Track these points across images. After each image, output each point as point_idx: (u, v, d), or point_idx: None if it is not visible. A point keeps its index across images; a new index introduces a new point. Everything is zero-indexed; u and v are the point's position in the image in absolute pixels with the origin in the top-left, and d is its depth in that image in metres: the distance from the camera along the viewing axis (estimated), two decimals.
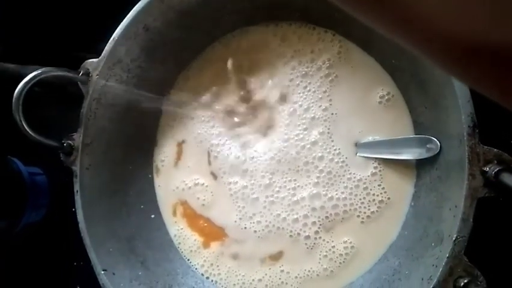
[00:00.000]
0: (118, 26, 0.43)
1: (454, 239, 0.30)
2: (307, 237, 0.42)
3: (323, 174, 0.42)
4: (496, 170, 0.29)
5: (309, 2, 0.42)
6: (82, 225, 0.42)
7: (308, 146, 0.43)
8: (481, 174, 0.30)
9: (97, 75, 0.43)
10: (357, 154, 0.42)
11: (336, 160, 0.42)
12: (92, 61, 0.44)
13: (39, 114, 0.49)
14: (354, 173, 0.41)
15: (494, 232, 0.34)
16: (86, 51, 0.45)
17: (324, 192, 0.42)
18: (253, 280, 0.43)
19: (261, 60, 0.46)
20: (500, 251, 0.34)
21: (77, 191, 0.43)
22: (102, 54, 0.43)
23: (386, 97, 0.41)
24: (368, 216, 0.41)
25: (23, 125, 0.41)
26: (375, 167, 0.41)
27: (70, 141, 0.44)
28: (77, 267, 0.52)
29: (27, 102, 0.40)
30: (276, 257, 0.43)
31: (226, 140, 0.46)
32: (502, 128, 0.37)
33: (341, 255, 0.41)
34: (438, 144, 0.35)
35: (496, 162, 0.30)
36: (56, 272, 0.54)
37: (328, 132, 0.42)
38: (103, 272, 0.41)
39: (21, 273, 0.55)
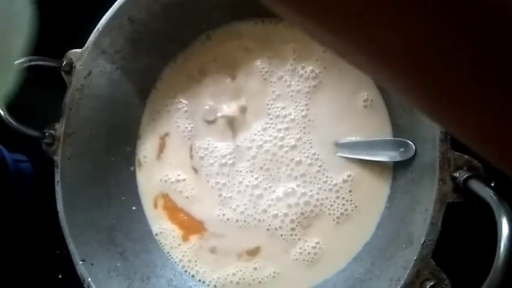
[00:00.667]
0: (102, 16, 0.43)
1: (422, 242, 0.31)
2: (284, 233, 0.43)
3: (300, 173, 0.43)
4: (465, 177, 0.30)
5: None
6: (61, 215, 0.42)
7: (288, 147, 0.43)
8: (451, 179, 0.31)
9: (80, 65, 0.43)
10: (337, 154, 0.42)
11: (313, 162, 0.43)
12: (76, 51, 0.43)
13: (21, 103, 0.49)
14: (330, 176, 0.42)
15: (462, 237, 0.34)
16: (70, 41, 0.44)
17: (302, 191, 0.42)
18: (227, 275, 0.44)
19: (245, 56, 0.46)
20: (467, 255, 0.35)
21: (57, 181, 0.43)
22: (86, 45, 0.43)
23: (368, 100, 0.41)
24: (342, 216, 0.41)
25: (4, 115, 0.41)
26: (351, 169, 0.41)
27: (51, 131, 0.44)
28: (59, 255, 0.52)
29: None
30: (253, 252, 0.44)
31: (208, 135, 0.47)
32: None
33: (316, 253, 0.42)
34: (414, 147, 0.36)
35: (466, 168, 0.30)
36: (38, 260, 0.55)
37: (309, 133, 0.43)
38: (81, 262, 0.41)
39: (3, 260, 0.56)
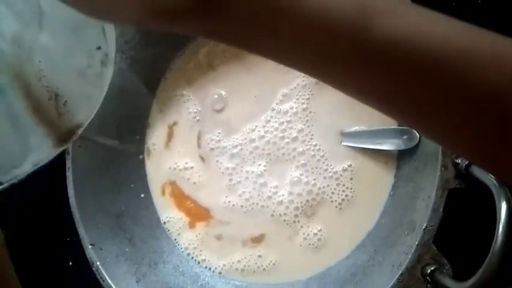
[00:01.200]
0: None
1: (423, 227, 0.31)
2: (288, 219, 0.43)
3: (302, 163, 0.44)
4: (467, 163, 0.30)
5: None
6: (72, 200, 0.43)
7: (290, 138, 0.44)
8: (453, 165, 0.31)
9: None
10: (342, 143, 0.42)
11: (315, 153, 0.43)
12: None
13: None
14: (332, 165, 0.43)
15: (462, 222, 0.34)
16: None
17: (305, 180, 0.43)
18: (233, 262, 0.45)
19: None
20: (467, 240, 0.35)
21: (68, 168, 0.44)
22: None
23: None
24: (344, 203, 0.42)
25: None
26: (355, 158, 0.42)
27: None
28: (69, 243, 0.54)
29: None
30: (258, 239, 0.44)
31: (215, 124, 0.47)
32: None
33: (319, 239, 0.42)
34: (418, 135, 0.36)
35: None
36: (49, 247, 0.56)
37: (312, 125, 0.44)
38: (90, 246, 0.42)
39: (15, 246, 0.57)
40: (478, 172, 0.29)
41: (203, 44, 0.49)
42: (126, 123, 0.49)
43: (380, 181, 0.41)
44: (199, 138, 0.48)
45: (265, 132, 0.45)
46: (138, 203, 0.49)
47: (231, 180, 0.46)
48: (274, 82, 0.46)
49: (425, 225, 0.31)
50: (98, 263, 0.42)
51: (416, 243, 0.31)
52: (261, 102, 0.46)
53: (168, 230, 0.48)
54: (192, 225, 0.47)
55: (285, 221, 0.43)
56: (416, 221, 0.33)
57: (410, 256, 0.32)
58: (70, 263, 0.53)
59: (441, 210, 0.31)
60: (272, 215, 0.44)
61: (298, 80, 0.45)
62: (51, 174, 0.55)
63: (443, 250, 0.31)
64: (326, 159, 0.43)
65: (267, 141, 0.45)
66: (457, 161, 0.31)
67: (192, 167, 0.48)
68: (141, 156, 0.50)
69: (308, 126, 0.44)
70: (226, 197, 0.46)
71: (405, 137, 0.37)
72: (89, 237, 0.43)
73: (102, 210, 0.46)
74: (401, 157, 0.40)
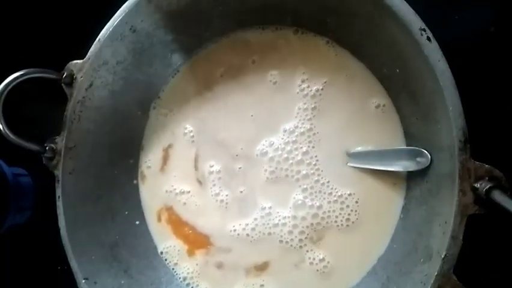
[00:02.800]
0: (103, 26, 0.42)
1: (442, 256, 0.29)
2: (294, 245, 0.41)
3: (306, 186, 0.42)
4: (487, 187, 0.28)
5: (300, 6, 0.41)
6: (63, 231, 0.41)
7: (294, 161, 0.42)
8: (472, 190, 0.29)
9: (81, 77, 0.42)
10: (348, 164, 0.41)
11: (319, 179, 0.42)
12: (77, 62, 0.42)
13: (20, 116, 0.48)
14: (336, 188, 0.41)
15: (484, 249, 0.33)
16: (70, 53, 0.43)
17: (310, 203, 0.41)
18: None
19: (250, 64, 0.45)
20: (490, 270, 0.33)
21: (59, 197, 0.41)
22: (87, 56, 0.42)
23: (378, 107, 0.40)
24: (351, 227, 0.40)
25: (3, 128, 0.40)
26: (361, 180, 0.40)
27: (52, 145, 0.42)
28: (61, 271, 0.51)
29: (7, 102, 0.39)
30: (262, 267, 0.42)
31: (213, 146, 0.45)
32: (493, 143, 0.36)
33: (326, 266, 0.40)
34: (429, 157, 0.34)
35: (487, 178, 0.29)
36: (39, 276, 0.53)
37: (313, 146, 0.42)
38: (83, 281, 0.40)
39: (4, 276, 0.54)
40: (500, 197, 0.28)
41: (198, 62, 0.47)
42: (119, 146, 0.46)
43: (388, 203, 0.39)
44: (196, 161, 0.46)
45: (265, 154, 0.43)
46: (133, 231, 0.46)
47: (229, 205, 0.44)
48: (273, 102, 0.44)
49: (444, 253, 0.29)
50: None
51: (436, 273, 0.29)
52: (260, 122, 0.44)
53: (166, 260, 0.45)
54: (190, 253, 0.45)
55: (291, 246, 0.41)
56: (433, 248, 0.31)
57: (429, 287, 0.30)
58: None
59: (461, 238, 0.29)
60: (276, 241, 0.42)
61: (299, 104, 0.43)
62: (39, 200, 0.53)
63: (464, 280, 0.29)
64: (329, 181, 0.41)
65: (268, 162, 0.43)
66: (476, 186, 0.29)
67: (189, 191, 0.46)
68: (135, 181, 0.48)
69: (312, 147, 0.42)
70: (226, 223, 0.43)
71: (416, 158, 0.36)
72: (82, 271, 0.40)
73: (95, 240, 0.43)
74: (410, 178, 0.38)
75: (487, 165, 0.29)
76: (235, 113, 0.45)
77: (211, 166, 0.45)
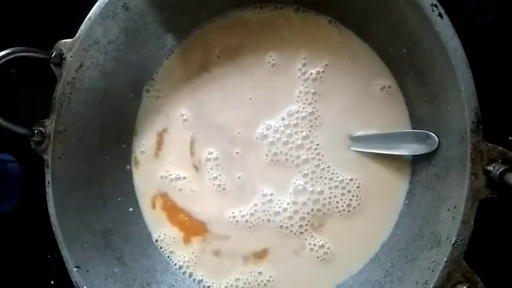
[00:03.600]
0: (94, 3, 0.40)
1: (452, 242, 0.28)
2: (294, 231, 0.40)
3: (307, 171, 0.40)
4: (500, 170, 0.27)
5: None
6: (53, 218, 0.39)
7: (294, 145, 0.41)
8: (484, 173, 0.28)
9: (71, 56, 0.40)
10: (351, 148, 0.39)
11: (320, 163, 0.40)
12: (66, 41, 0.40)
13: (8, 98, 0.46)
14: (337, 173, 0.40)
15: (495, 235, 0.32)
16: (60, 31, 0.41)
17: (311, 189, 0.40)
18: (233, 280, 0.41)
19: (249, 45, 0.43)
20: (500, 255, 0.32)
21: (48, 182, 0.40)
22: (77, 35, 0.40)
23: (383, 89, 0.39)
24: (352, 212, 0.39)
25: None
26: (364, 164, 0.39)
27: (41, 128, 0.40)
28: (51, 260, 0.50)
29: None
30: (261, 254, 0.41)
31: (209, 131, 0.44)
32: (507, 124, 0.35)
33: (326, 252, 0.39)
34: (437, 139, 0.33)
35: (500, 161, 0.28)
36: (29, 265, 0.52)
37: (315, 130, 0.41)
38: (75, 269, 0.38)
39: None
40: None
41: (193, 43, 0.45)
42: (111, 130, 0.45)
43: (392, 188, 0.38)
44: (191, 145, 0.44)
45: (264, 138, 0.42)
46: (126, 218, 0.44)
47: (227, 190, 0.42)
48: (272, 85, 0.42)
49: (454, 239, 0.28)
50: (85, 287, 0.38)
51: (445, 259, 0.28)
52: (259, 106, 0.42)
53: (161, 248, 0.44)
54: (186, 240, 0.43)
55: (291, 231, 0.40)
56: (441, 234, 0.30)
57: (437, 273, 0.29)
58: (52, 282, 0.50)
59: (472, 222, 0.28)
60: (276, 227, 0.40)
61: (300, 87, 0.41)
62: (28, 187, 0.51)
63: (475, 267, 0.28)
64: (329, 166, 0.40)
65: (267, 146, 0.42)
66: (489, 169, 0.28)
67: (185, 177, 0.44)
68: (128, 167, 0.46)
69: (314, 130, 0.40)
70: (223, 209, 0.42)
71: (422, 141, 0.34)
72: (73, 259, 0.38)
73: (87, 228, 0.41)
74: (416, 162, 0.37)
75: (500, 147, 0.28)
76: (232, 95, 0.43)
77: (209, 152, 0.43)
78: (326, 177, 0.40)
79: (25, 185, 0.52)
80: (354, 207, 0.39)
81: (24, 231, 0.52)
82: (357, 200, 0.39)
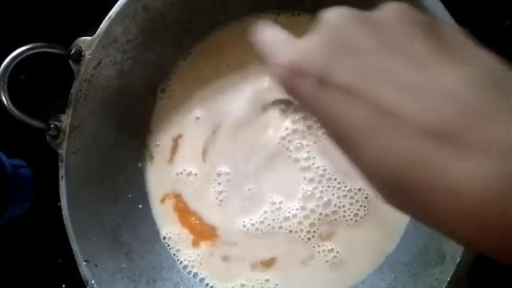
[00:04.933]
0: (115, 3, 0.40)
1: (457, 262, 0.29)
2: (302, 236, 0.41)
3: (316, 179, 0.41)
4: None
5: None
6: (65, 212, 0.40)
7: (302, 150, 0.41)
8: None
9: (90, 54, 0.40)
10: None
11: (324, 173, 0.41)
12: (86, 39, 0.41)
13: (26, 92, 0.46)
14: (344, 183, 0.40)
15: None
16: (80, 28, 0.42)
17: (319, 195, 0.40)
18: (238, 285, 0.42)
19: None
20: (504, 277, 0.33)
21: (62, 176, 0.40)
22: (97, 33, 0.40)
23: None
24: (359, 222, 0.39)
25: (7, 103, 0.39)
26: None
27: (57, 123, 0.41)
28: (62, 264, 0.50)
29: (13, 85, 0.38)
30: (269, 263, 0.42)
31: (224, 137, 0.44)
32: None
33: (334, 262, 0.40)
34: None
35: None
36: (40, 269, 0.52)
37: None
38: (84, 263, 0.39)
39: (4, 269, 0.53)
40: None
41: (210, 45, 0.46)
42: (125, 128, 0.45)
43: None
44: (204, 152, 0.45)
45: (276, 145, 0.42)
46: (136, 215, 0.45)
47: (237, 197, 0.43)
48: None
49: (458, 259, 0.29)
50: (93, 281, 0.39)
51: (448, 278, 0.29)
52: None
53: (168, 245, 0.45)
54: (195, 243, 0.44)
55: (299, 236, 0.41)
56: (446, 252, 0.31)
57: None
58: (64, 286, 0.50)
59: None
60: (285, 234, 0.41)
61: None
62: (39, 192, 0.51)
63: (478, 286, 0.28)
64: (334, 176, 0.41)
65: (277, 154, 0.42)
66: None
67: (196, 180, 0.44)
68: (140, 164, 0.47)
69: (323, 138, 0.41)
70: (235, 215, 0.42)
71: None
72: (83, 253, 0.39)
73: (98, 222, 0.42)
74: None
75: None
76: (246, 99, 0.44)
77: (224, 160, 0.44)
78: (334, 187, 0.40)
79: (37, 190, 0.52)
80: (361, 217, 0.40)
81: (36, 236, 0.52)
82: (364, 210, 0.40)
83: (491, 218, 0.14)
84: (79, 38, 0.41)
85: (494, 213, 0.14)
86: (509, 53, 0.17)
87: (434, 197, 0.15)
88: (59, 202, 0.40)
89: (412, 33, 0.18)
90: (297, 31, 0.42)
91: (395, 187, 0.16)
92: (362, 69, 0.17)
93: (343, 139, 0.18)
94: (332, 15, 0.20)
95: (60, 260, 0.48)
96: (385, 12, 0.19)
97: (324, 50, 0.19)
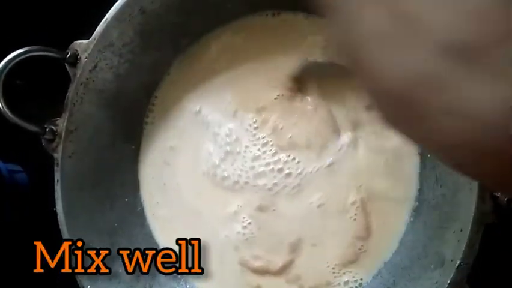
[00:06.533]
0: (111, 6, 0.40)
1: (456, 265, 0.28)
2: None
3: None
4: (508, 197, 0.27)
5: None
6: (60, 216, 0.39)
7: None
8: (491, 198, 0.28)
9: (86, 57, 0.40)
10: None
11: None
12: (82, 42, 0.40)
13: (21, 95, 0.46)
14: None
15: (500, 261, 0.32)
16: (76, 32, 0.41)
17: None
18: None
19: (260, 51, 0.43)
20: (503, 280, 0.32)
21: (57, 180, 0.40)
22: (92, 36, 0.40)
23: None
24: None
25: (2, 107, 0.38)
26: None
27: (52, 127, 0.40)
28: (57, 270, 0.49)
29: (8, 89, 0.37)
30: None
31: (224, 146, 0.44)
32: None
33: (332, 267, 0.39)
34: None
35: None
36: (35, 275, 0.51)
37: None
38: None
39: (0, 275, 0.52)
40: None
41: (207, 47, 0.45)
42: (121, 131, 0.45)
43: (397, 205, 0.38)
44: (200, 156, 0.44)
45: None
46: (132, 220, 0.45)
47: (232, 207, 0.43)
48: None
49: (458, 262, 0.28)
50: (89, 286, 0.38)
51: (448, 281, 0.28)
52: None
53: None
54: None
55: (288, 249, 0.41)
56: (445, 255, 0.31)
57: None
58: None
59: (477, 247, 0.28)
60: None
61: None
62: (34, 197, 0.51)
63: None
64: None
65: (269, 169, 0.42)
66: (496, 194, 0.28)
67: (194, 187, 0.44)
68: (136, 168, 0.46)
69: None
70: (225, 227, 0.43)
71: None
72: None
73: (93, 227, 0.42)
74: (423, 180, 0.37)
75: None
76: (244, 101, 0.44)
77: (218, 165, 0.44)
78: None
79: (32, 195, 0.52)
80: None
81: (31, 241, 0.52)
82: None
83: (499, 142, 0.14)
84: (75, 42, 0.41)
85: (502, 138, 0.13)
86: None
87: (442, 119, 0.14)
88: (55, 207, 0.40)
89: None
90: (293, 29, 0.43)
91: (402, 105, 0.15)
92: None
93: (355, 48, 0.16)
94: None
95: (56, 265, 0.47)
96: None
97: None
